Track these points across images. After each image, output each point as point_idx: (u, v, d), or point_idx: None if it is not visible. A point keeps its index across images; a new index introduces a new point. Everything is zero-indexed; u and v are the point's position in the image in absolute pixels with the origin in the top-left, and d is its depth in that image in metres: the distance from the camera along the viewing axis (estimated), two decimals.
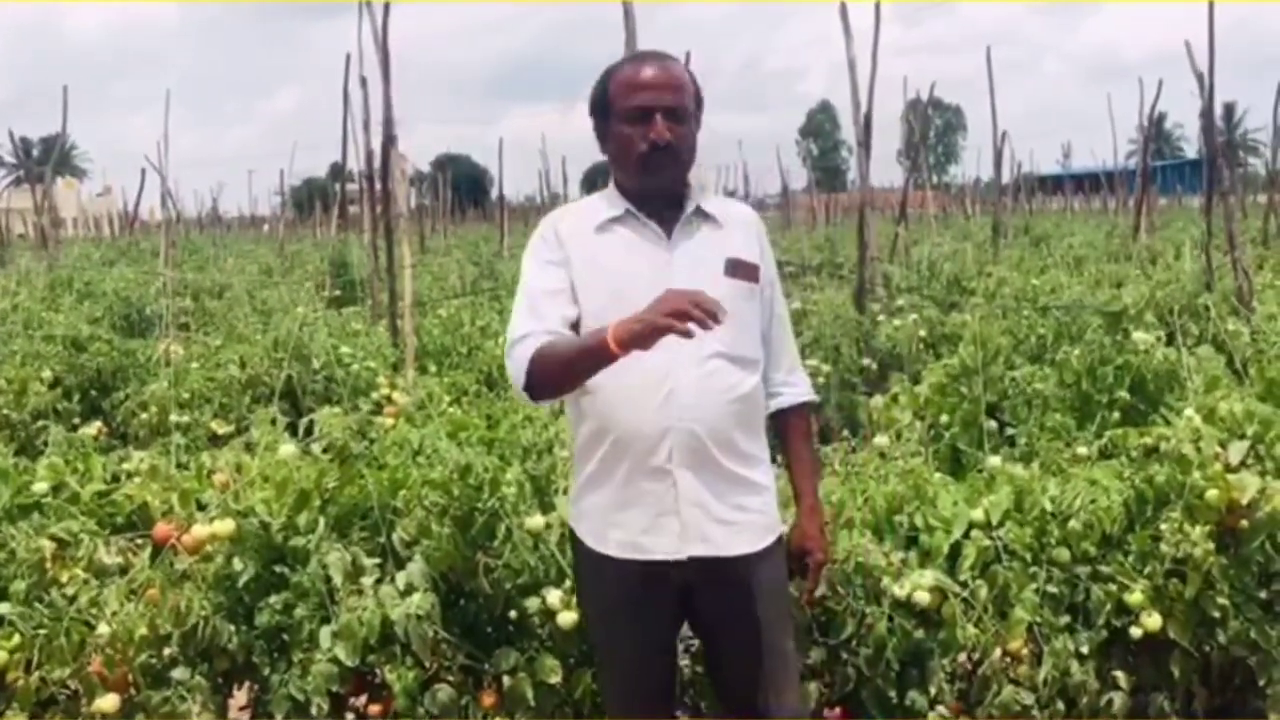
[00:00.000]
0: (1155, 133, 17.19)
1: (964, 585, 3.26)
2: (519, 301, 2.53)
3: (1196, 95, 7.45)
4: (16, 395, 6.14)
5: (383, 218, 7.52)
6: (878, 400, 4.76)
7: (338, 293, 11.62)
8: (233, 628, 3.14)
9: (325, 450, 3.54)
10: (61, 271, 12.06)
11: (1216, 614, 3.32)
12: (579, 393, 2.51)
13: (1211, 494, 3.30)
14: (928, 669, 3.19)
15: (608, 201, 2.59)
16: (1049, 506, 3.43)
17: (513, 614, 3.22)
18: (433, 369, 6.86)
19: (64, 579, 3.18)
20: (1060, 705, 3.27)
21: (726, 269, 2.53)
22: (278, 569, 3.20)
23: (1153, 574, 3.32)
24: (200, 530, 3.17)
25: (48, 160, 14.32)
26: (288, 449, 3.44)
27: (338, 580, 3.13)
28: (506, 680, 3.16)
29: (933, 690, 3.18)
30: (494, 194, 28.78)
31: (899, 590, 3.17)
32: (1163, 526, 3.34)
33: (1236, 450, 3.47)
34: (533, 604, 3.19)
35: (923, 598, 3.17)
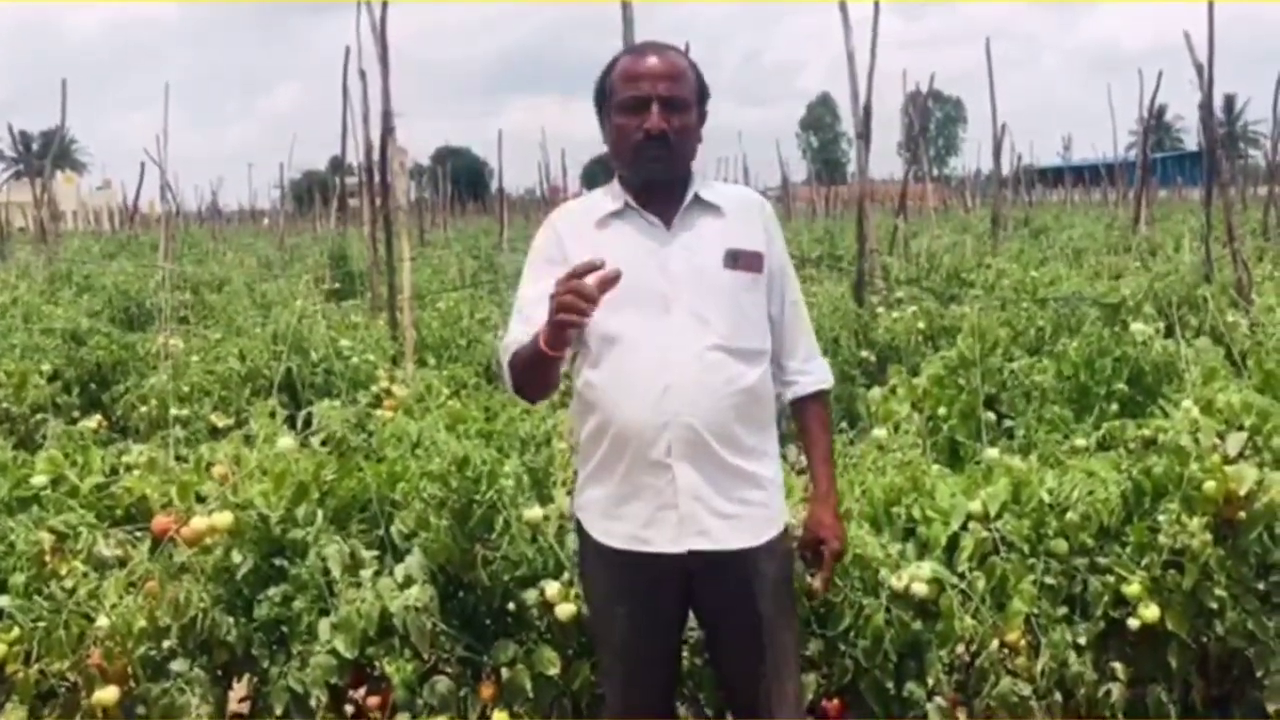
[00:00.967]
0: (1155, 125, 17.17)
1: (961, 577, 3.26)
2: (514, 307, 2.59)
3: (1196, 87, 7.44)
4: (16, 389, 6.14)
5: (382, 211, 7.52)
6: (876, 392, 4.76)
7: (337, 286, 11.62)
8: (231, 620, 3.15)
9: (324, 443, 3.55)
10: (61, 265, 12.06)
11: (1214, 605, 3.32)
12: (582, 387, 2.52)
13: (1209, 485, 3.30)
14: (925, 660, 3.19)
15: (609, 196, 2.58)
16: (1047, 498, 3.43)
17: (511, 606, 3.23)
18: (432, 362, 6.86)
19: (63, 572, 3.19)
20: (1058, 696, 3.28)
21: (726, 260, 2.52)
22: (276, 561, 3.21)
23: (1150, 565, 3.32)
24: (199, 523, 3.18)
25: (47, 154, 14.30)
26: (286, 442, 3.44)
27: (336, 572, 3.15)
28: (505, 672, 3.17)
29: (930, 682, 3.18)
30: (494, 187, 28.74)
31: (897, 582, 3.17)
32: (1160, 518, 3.34)
33: (1234, 442, 3.46)
34: (531, 596, 3.20)
35: (920, 589, 3.17)
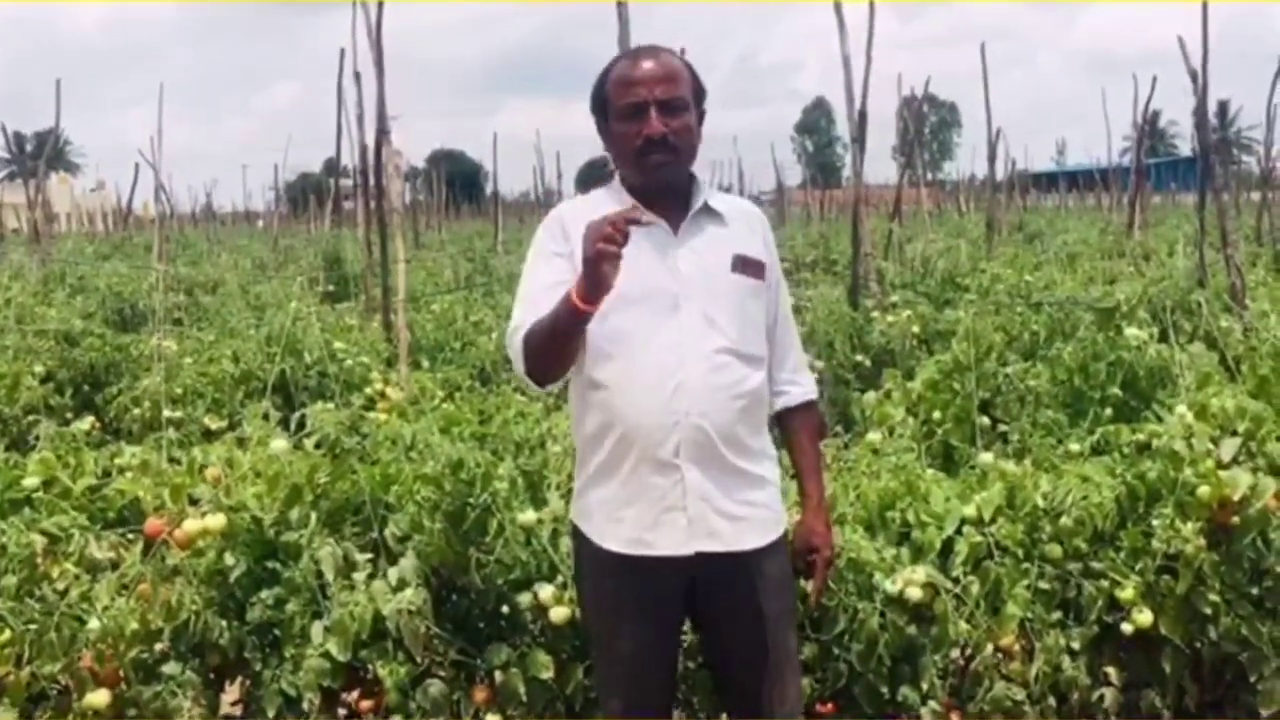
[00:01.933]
0: (1149, 130, 17.22)
1: (956, 581, 3.26)
2: (519, 295, 2.56)
3: (1190, 93, 7.45)
4: (9, 390, 6.12)
5: (377, 213, 7.51)
6: (871, 396, 4.76)
7: (331, 288, 11.60)
8: (224, 623, 3.14)
9: (318, 445, 3.54)
10: (55, 266, 12.03)
11: (1208, 610, 3.33)
12: (585, 387, 2.52)
13: (1203, 490, 3.31)
14: (919, 665, 3.20)
15: (615, 198, 2.57)
16: (1041, 503, 3.43)
17: (505, 609, 3.22)
18: (426, 364, 6.86)
19: (55, 574, 3.17)
20: (1051, 701, 3.28)
21: (734, 265, 2.53)
22: (269, 564, 3.20)
23: (1144, 570, 3.32)
24: (192, 525, 3.17)
25: (41, 155, 14.26)
26: (280, 444, 3.44)
27: (329, 575, 3.14)
28: (498, 676, 3.17)
29: (924, 686, 3.19)
30: (488, 190, 28.74)
31: (891, 586, 3.18)
32: (1154, 523, 3.35)
33: (1228, 447, 3.47)
34: (525, 599, 3.19)
35: (915, 593, 3.17)
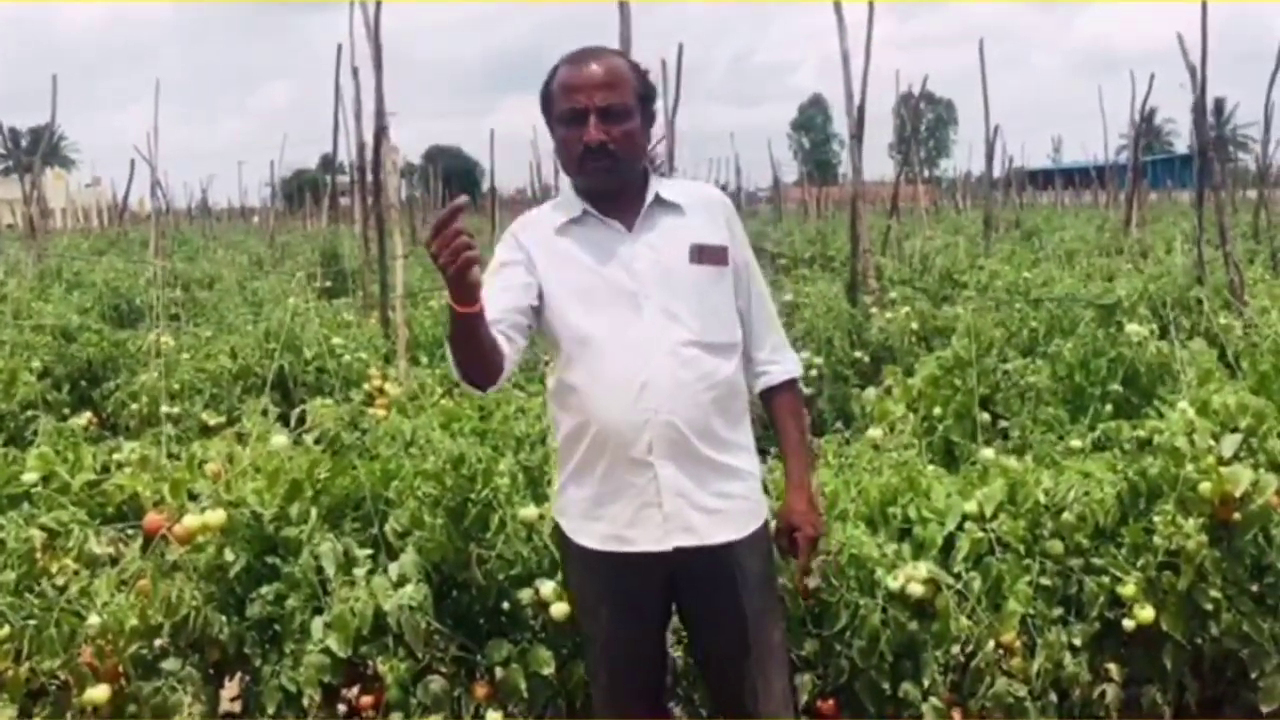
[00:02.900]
0: (1145, 128, 17.23)
1: (957, 577, 3.26)
2: None
3: (1187, 89, 7.45)
4: (5, 385, 6.09)
5: (374, 209, 7.49)
6: (871, 392, 4.76)
7: (328, 284, 11.57)
8: (224, 618, 3.13)
9: (317, 441, 3.53)
10: (51, 261, 11.99)
11: (1209, 606, 3.33)
12: (558, 389, 2.54)
13: (1204, 487, 3.31)
14: (921, 661, 3.19)
15: (565, 204, 2.58)
16: (1042, 499, 3.43)
17: (505, 605, 3.22)
18: (424, 360, 6.84)
19: (54, 569, 3.17)
20: (1053, 697, 3.28)
21: (692, 255, 2.52)
22: (269, 560, 3.20)
23: (1145, 566, 3.32)
24: (191, 520, 3.16)
25: (37, 151, 14.21)
26: (280, 439, 3.43)
27: (330, 571, 3.13)
28: (499, 671, 3.16)
29: (926, 682, 3.18)
30: (485, 187, 28.68)
31: (893, 582, 3.17)
32: (1156, 519, 3.35)
33: (1229, 443, 3.46)
34: (526, 595, 3.18)
35: (916, 590, 3.17)
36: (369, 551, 3.22)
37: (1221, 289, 6.75)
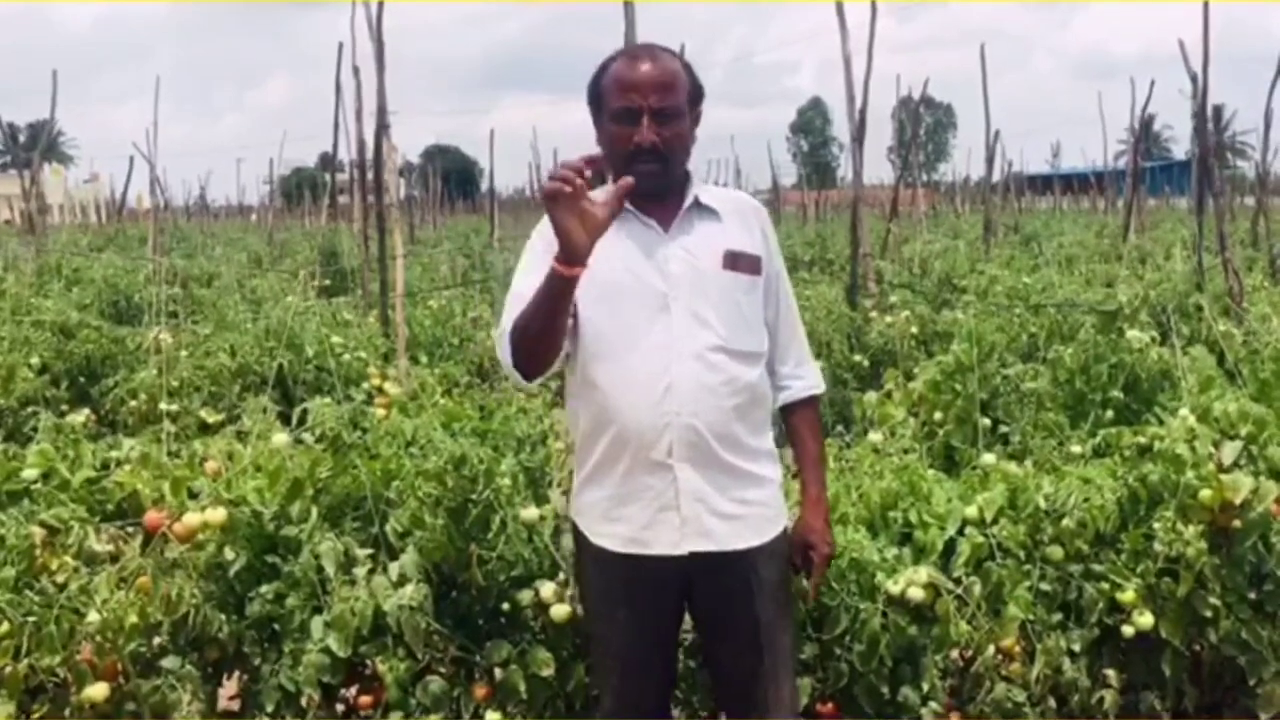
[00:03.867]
0: (1144, 133, 17.24)
1: (957, 582, 3.25)
2: (506, 300, 2.55)
3: (1186, 96, 7.47)
4: (4, 381, 6.08)
5: (374, 207, 7.49)
6: (871, 396, 4.75)
7: (327, 282, 11.56)
8: (224, 617, 3.12)
9: (318, 440, 3.52)
10: (50, 258, 11.97)
11: (1208, 613, 3.33)
12: (580, 386, 2.51)
13: (1204, 494, 3.31)
14: (920, 665, 3.19)
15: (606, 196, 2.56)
16: (1043, 504, 3.43)
17: (506, 606, 3.21)
18: (424, 360, 6.84)
19: (54, 566, 3.15)
20: (1052, 703, 3.28)
21: (725, 261, 2.51)
22: (269, 558, 3.19)
23: (1145, 573, 3.33)
24: (192, 518, 3.15)
25: (35, 146, 14.21)
26: (281, 438, 3.42)
27: (330, 570, 3.12)
28: (499, 672, 3.16)
29: (925, 687, 3.18)
30: (484, 186, 28.69)
31: (893, 586, 3.17)
32: (1156, 525, 3.35)
33: (1230, 450, 3.47)
34: (526, 596, 3.18)
35: (916, 594, 3.16)
36: (369, 551, 3.21)
37: (1221, 296, 6.76)
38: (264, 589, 3.14)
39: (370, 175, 7.52)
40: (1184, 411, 3.61)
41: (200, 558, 3.17)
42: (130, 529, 3.32)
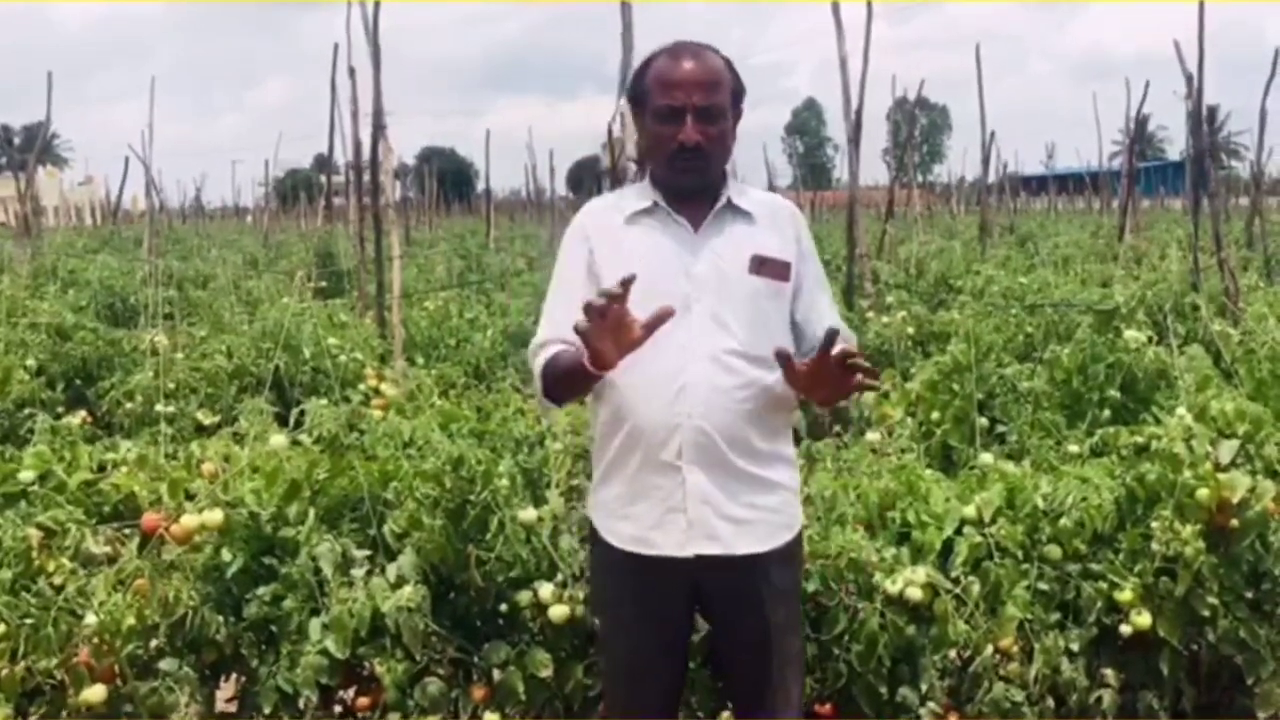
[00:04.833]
0: (1139, 134, 17.26)
1: (956, 582, 3.26)
2: (544, 307, 2.57)
3: (1180, 97, 7.49)
4: (0, 384, 6.07)
5: (370, 208, 7.48)
6: (869, 396, 4.76)
7: (323, 284, 11.56)
8: (221, 619, 3.12)
9: (316, 441, 3.52)
10: (45, 259, 11.96)
11: (1206, 613, 3.33)
12: (600, 383, 2.49)
13: (1202, 493, 3.31)
14: (919, 665, 3.19)
15: (639, 193, 2.56)
16: (1041, 504, 3.43)
17: (504, 607, 3.21)
18: (420, 361, 6.84)
19: (51, 568, 3.15)
20: (1050, 702, 3.28)
21: (751, 266, 2.47)
22: (267, 560, 3.18)
23: (1143, 572, 3.33)
24: (189, 520, 3.15)
25: (30, 148, 14.19)
26: (278, 439, 3.42)
27: (328, 572, 3.12)
28: (497, 674, 3.16)
29: (924, 687, 3.18)
30: (480, 187, 28.69)
31: (891, 586, 3.17)
32: (1153, 525, 3.35)
33: (1227, 449, 3.47)
34: (524, 597, 3.18)
35: (914, 594, 3.16)
36: (367, 552, 3.20)
37: (1217, 295, 6.77)
38: (261, 591, 3.14)
39: (366, 176, 7.51)
40: (1181, 411, 3.62)
41: (197, 559, 3.17)
42: (127, 531, 3.32)
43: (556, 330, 2.44)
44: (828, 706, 3.21)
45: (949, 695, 3.26)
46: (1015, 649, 3.26)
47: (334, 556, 3.14)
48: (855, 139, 8.01)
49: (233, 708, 3.28)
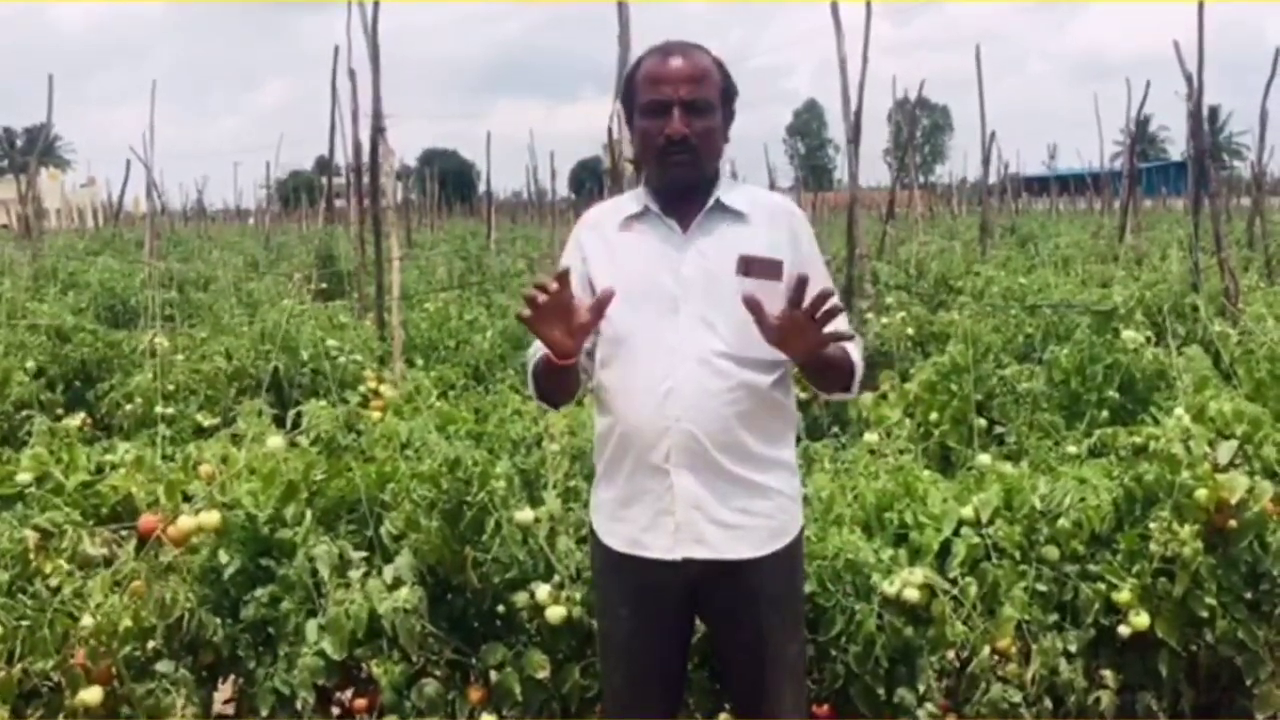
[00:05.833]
0: (1140, 134, 17.25)
1: (953, 583, 3.25)
2: None
3: (1181, 97, 7.47)
4: None
5: (371, 210, 7.48)
6: (868, 397, 4.75)
7: (324, 286, 11.55)
8: (218, 620, 3.12)
9: (313, 443, 3.52)
10: (46, 262, 11.96)
11: (1204, 613, 3.33)
12: (597, 387, 2.53)
13: (1200, 493, 3.31)
14: (916, 666, 3.19)
15: (633, 198, 2.56)
16: (1038, 505, 3.43)
17: (501, 609, 3.21)
18: (420, 363, 6.83)
19: (48, 570, 3.15)
20: (1048, 703, 3.28)
21: (739, 267, 2.39)
22: (264, 562, 3.18)
23: (1141, 573, 3.32)
24: (186, 522, 3.15)
25: (31, 150, 14.20)
26: (276, 441, 3.42)
27: (325, 573, 3.12)
28: (494, 675, 3.16)
29: (921, 688, 3.17)
30: (481, 189, 28.70)
31: (888, 587, 3.17)
32: (1151, 525, 3.35)
33: (1225, 450, 3.47)
34: (521, 599, 3.18)
35: (912, 595, 3.16)
36: (364, 554, 3.21)
37: (1217, 296, 6.76)
38: (258, 592, 3.14)
39: (367, 178, 7.50)
40: (1179, 411, 3.62)
41: (195, 561, 3.17)
42: (124, 533, 3.32)
43: None
44: (825, 707, 3.21)
45: (947, 696, 3.26)
46: (1013, 650, 3.26)
47: (331, 558, 3.15)
48: (855, 140, 7.99)
49: (230, 709, 3.29)
